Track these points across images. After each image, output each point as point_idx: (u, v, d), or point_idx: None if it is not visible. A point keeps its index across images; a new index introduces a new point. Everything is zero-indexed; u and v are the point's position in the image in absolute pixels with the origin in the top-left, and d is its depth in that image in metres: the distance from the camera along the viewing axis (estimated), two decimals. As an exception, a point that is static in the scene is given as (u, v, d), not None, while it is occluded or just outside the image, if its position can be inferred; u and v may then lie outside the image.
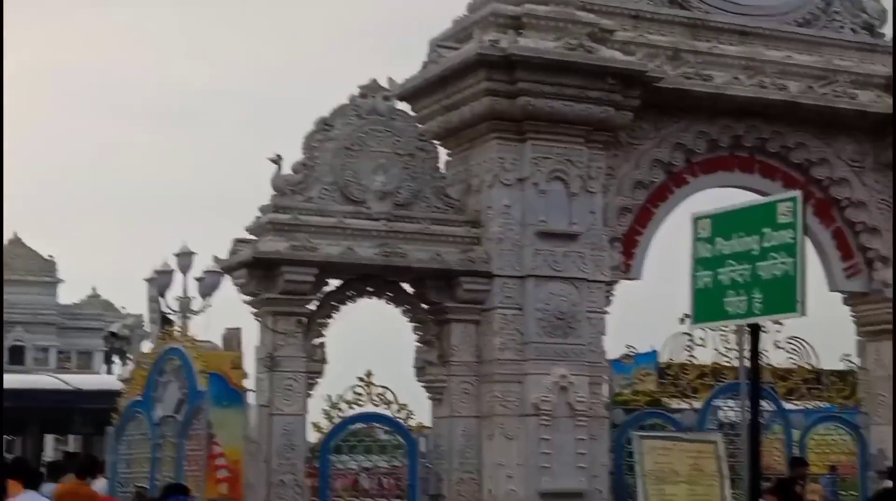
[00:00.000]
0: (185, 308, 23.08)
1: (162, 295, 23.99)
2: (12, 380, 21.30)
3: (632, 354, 16.45)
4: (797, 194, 5.97)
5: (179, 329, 14.70)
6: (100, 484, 13.83)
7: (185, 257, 23.56)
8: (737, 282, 6.09)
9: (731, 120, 16.34)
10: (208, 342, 14.10)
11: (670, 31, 16.25)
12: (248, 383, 13.15)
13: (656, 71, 15.30)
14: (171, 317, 23.37)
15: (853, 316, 17.67)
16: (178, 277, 23.85)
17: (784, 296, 5.77)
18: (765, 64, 16.44)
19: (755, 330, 6.17)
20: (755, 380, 6.05)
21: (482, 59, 14.37)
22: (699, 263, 6.45)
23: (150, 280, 25.12)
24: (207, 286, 23.17)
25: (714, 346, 16.33)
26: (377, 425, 14.86)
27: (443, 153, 15.88)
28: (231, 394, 11.98)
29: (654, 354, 18.18)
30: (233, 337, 13.68)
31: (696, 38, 16.35)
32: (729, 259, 6.19)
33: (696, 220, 6.66)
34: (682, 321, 13.36)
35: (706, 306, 6.39)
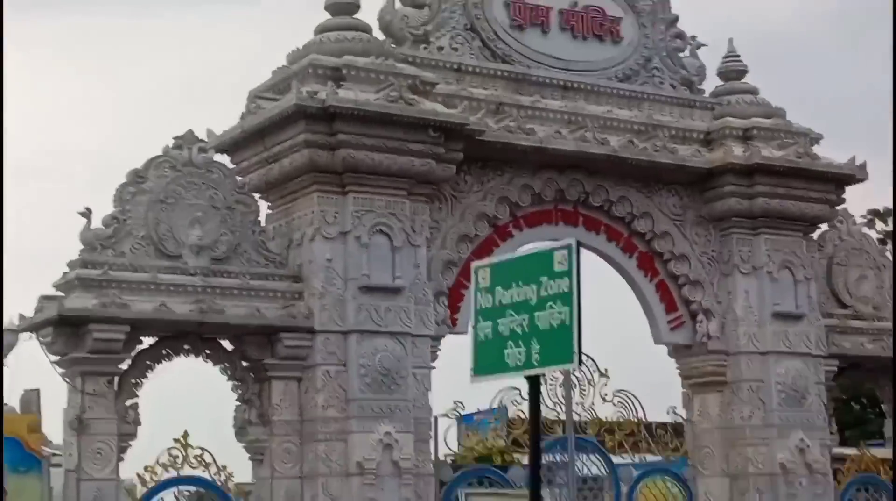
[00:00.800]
0: None
1: None
2: None
3: (460, 411, 16.54)
4: (572, 241, 5.99)
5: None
6: None
7: None
8: (515, 333, 6.03)
9: (554, 173, 16.78)
10: (5, 404, 13.59)
11: (493, 85, 16.62)
12: (53, 447, 12.69)
13: (478, 124, 15.62)
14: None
15: (678, 368, 18.21)
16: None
17: (561, 346, 5.75)
18: (586, 118, 16.92)
19: (534, 382, 6.21)
20: (535, 432, 6.05)
21: (300, 110, 14.40)
22: (480, 313, 6.42)
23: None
24: (5, 346, 22.00)
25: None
26: (194, 488, 14.58)
27: (263, 207, 15.90)
28: (28, 460, 11.56)
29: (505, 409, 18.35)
30: (31, 399, 13.26)
31: (518, 92, 16.77)
32: (508, 309, 6.17)
33: (476, 269, 6.64)
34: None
35: (487, 358, 6.35)
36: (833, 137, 19.43)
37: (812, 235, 18.59)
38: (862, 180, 18.54)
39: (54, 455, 13.53)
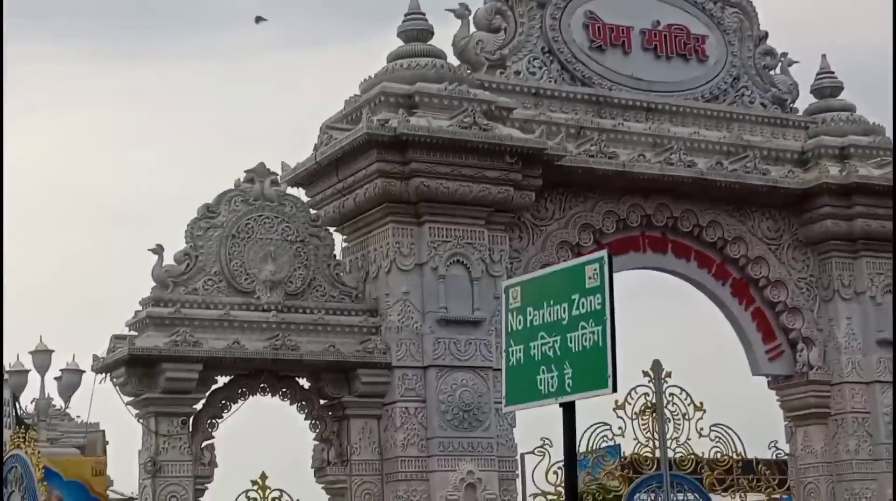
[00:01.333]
0: (43, 411, 21.91)
1: (16, 396, 22.27)
2: None
3: (548, 449, 16.04)
4: (604, 253, 5.58)
5: (20, 435, 13.78)
6: None
7: (41, 356, 21.89)
8: (547, 356, 5.64)
9: (639, 198, 16.43)
10: (71, 448, 13.54)
11: (573, 109, 16.35)
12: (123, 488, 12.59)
13: (557, 149, 15.33)
14: (26, 420, 21.85)
15: (778, 400, 17.63)
16: (34, 376, 22.30)
17: (594, 370, 5.35)
18: (672, 140, 16.56)
19: (569, 410, 5.78)
20: (571, 460, 5.64)
21: (372, 139, 14.27)
22: (512, 337, 6.05)
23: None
24: (66, 386, 21.90)
25: (633, 434, 16.19)
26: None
27: (338, 240, 15.76)
28: (89, 504, 11.37)
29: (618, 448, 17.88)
30: (96, 441, 13.19)
31: (600, 115, 16.48)
32: (540, 331, 5.80)
33: (507, 289, 6.29)
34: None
35: (519, 386, 5.91)
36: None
37: (918, 256, 17.89)
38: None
39: (121, 497, 13.36)
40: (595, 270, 5.43)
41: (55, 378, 22.04)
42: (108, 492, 12.03)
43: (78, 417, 22.98)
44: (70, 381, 20.85)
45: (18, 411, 20.28)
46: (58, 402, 23.31)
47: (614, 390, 5.25)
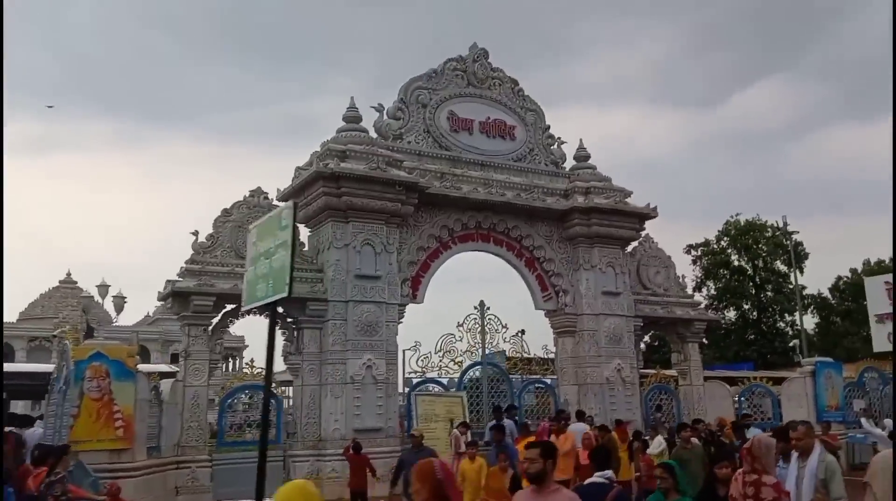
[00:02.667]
0: (103, 321, 19.82)
1: (86, 312, 19.96)
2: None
3: (418, 346, 14.75)
4: (290, 203, 4.63)
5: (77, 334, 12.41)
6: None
7: (102, 288, 19.83)
8: (263, 273, 4.65)
9: (474, 212, 15.19)
10: (115, 341, 12.09)
11: (439, 163, 15.06)
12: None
13: (425, 183, 14.08)
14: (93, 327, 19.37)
15: (550, 323, 16.39)
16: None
17: (280, 281, 4.36)
18: (493, 181, 15.34)
19: (272, 308, 4.70)
20: (269, 352, 4.50)
21: (318, 174, 13.00)
22: (250, 262, 5.01)
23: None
24: (118, 307, 19.67)
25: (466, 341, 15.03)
26: (257, 390, 13.03)
27: (307, 230, 14.41)
28: (126, 373, 9.98)
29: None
30: (131, 339, 11.81)
31: (454, 167, 15.19)
32: (262, 257, 4.75)
33: (250, 229, 5.21)
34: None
35: (250, 293, 4.94)
36: (642, 194, 17.61)
37: (625, 249, 16.73)
38: (654, 217, 16.77)
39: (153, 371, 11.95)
40: (287, 214, 4.44)
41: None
42: (137, 367, 10.52)
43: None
44: (118, 304, 18.56)
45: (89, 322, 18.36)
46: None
47: (290, 294, 4.20)
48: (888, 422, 12.36)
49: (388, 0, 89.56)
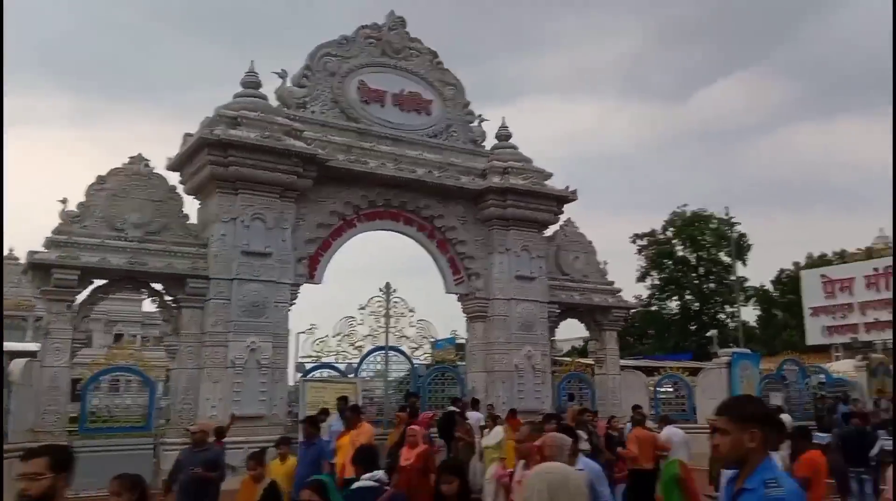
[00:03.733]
0: None
1: None
2: None
3: (314, 329, 14.09)
4: None
5: None
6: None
7: None
8: None
9: (382, 189, 14.53)
10: None
11: (346, 136, 14.36)
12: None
13: (325, 156, 13.38)
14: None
15: (462, 308, 15.87)
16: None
17: None
18: (404, 157, 14.69)
19: None
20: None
21: (202, 142, 12.17)
22: None
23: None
24: None
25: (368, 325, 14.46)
26: (125, 373, 12.23)
27: (196, 203, 13.55)
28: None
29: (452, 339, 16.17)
30: None
31: (362, 141, 14.49)
32: None
33: None
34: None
35: None
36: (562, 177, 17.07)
37: (542, 233, 16.25)
38: (574, 200, 16.33)
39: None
40: None
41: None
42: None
43: None
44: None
45: None
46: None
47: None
48: (786, 418, 12.17)
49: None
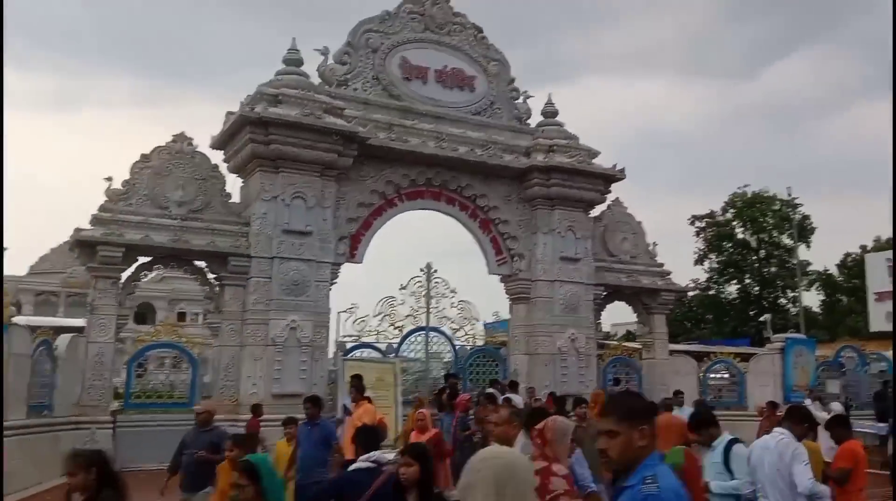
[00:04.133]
0: None
1: None
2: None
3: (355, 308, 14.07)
4: None
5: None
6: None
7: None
8: None
9: (424, 168, 14.41)
10: None
11: (388, 113, 14.22)
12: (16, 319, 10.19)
13: (366, 133, 13.30)
14: None
15: (504, 289, 15.66)
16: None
17: None
18: (446, 135, 14.48)
19: None
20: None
21: (244, 119, 12.23)
22: None
23: None
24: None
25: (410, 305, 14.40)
26: (171, 350, 12.50)
27: (239, 181, 13.66)
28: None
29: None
30: (11, 289, 11.14)
31: (404, 118, 14.34)
32: None
33: None
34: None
35: None
36: (621, 156, 16.68)
37: (588, 213, 15.85)
38: (622, 179, 15.85)
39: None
40: None
41: None
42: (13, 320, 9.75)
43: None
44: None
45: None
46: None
47: None
48: (836, 406, 11.58)
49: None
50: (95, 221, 11.54)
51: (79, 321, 13.41)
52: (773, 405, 9.81)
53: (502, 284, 15.66)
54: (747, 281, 43.84)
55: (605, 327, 17.27)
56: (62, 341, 10.91)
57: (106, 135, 79.15)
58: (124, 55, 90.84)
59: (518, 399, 11.84)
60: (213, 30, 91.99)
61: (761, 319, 38.13)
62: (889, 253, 31.96)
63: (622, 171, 15.77)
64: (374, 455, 3.75)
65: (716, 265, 44.53)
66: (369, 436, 4.03)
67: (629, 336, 23.18)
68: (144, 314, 41.91)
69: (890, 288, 29.40)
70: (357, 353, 13.46)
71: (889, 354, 19.41)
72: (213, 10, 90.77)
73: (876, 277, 29.66)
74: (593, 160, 15.72)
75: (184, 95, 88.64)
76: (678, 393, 9.60)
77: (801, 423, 4.90)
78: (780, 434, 4.73)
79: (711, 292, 45.10)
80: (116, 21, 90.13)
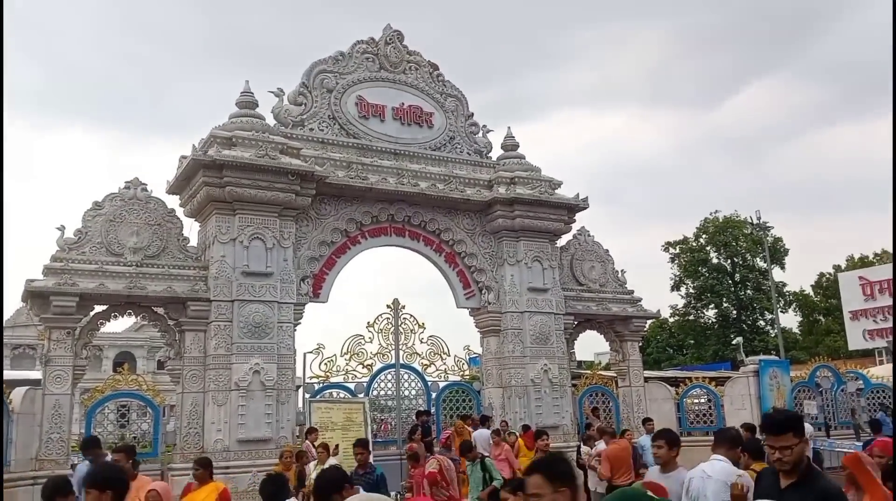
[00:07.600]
0: None
1: None
2: None
3: (322, 350, 14.01)
4: None
5: None
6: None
7: None
8: None
9: (386, 204, 14.55)
10: None
11: (346, 152, 14.39)
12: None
13: (324, 172, 13.42)
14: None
15: (474, 322, 15.69)
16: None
17: None
18: (406, 171, 14.67)
19: None
20: None
21: (197, 163, 12.30)
22: None
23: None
24: None
25: (378, 342, 14.39)
26: (131, 399, 12.30)
27: (196, 225, 13.67)
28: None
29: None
30: None
31: (363, 156, 14.52)
32: None
33: None
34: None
35: None
36: (573, 185, 17.00)
37: (554, 242, 16.01)
38: (585, 208, 16.09)
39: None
40: None
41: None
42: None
43: None
44: None
45: None
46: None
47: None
48: (808, 428, 11.66)
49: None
50: (47, 271, 11.44)
51: (34, 374, 13.17)
52: (749, 428, 9.83)
53: (472, 317, 15.72)
54: (725, 305, 44.35)
55: (587, 356, 17.32)
56: (17, 394, 10.70)
57: (74, 187, 78.86)
58: (80, 108, 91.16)
59: (486, 435, 11.82)
60: (173, 81, 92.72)
61: (733, 342, 38.42)
62: (861, 271, 32.62)
63: (585, 200, 16.04)
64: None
65: (692, 291, 45.05)
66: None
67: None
68: (124, 364, 41.26)
69: (864, 306, 29.93)
70: (327, 393, 13.34)
71: (865, 372, 19.66)
72: (171, 62, 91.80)
73: (850, 296, 30.19)
74: (556, 191, 15.98)
75: (147, 145, 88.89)
76: (647, 421, 9.64)
77: (733, 448, 4.75)
78: (719, 460, 4.53)
79: (691, 318, 45.47)
80: (75, 79, 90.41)
